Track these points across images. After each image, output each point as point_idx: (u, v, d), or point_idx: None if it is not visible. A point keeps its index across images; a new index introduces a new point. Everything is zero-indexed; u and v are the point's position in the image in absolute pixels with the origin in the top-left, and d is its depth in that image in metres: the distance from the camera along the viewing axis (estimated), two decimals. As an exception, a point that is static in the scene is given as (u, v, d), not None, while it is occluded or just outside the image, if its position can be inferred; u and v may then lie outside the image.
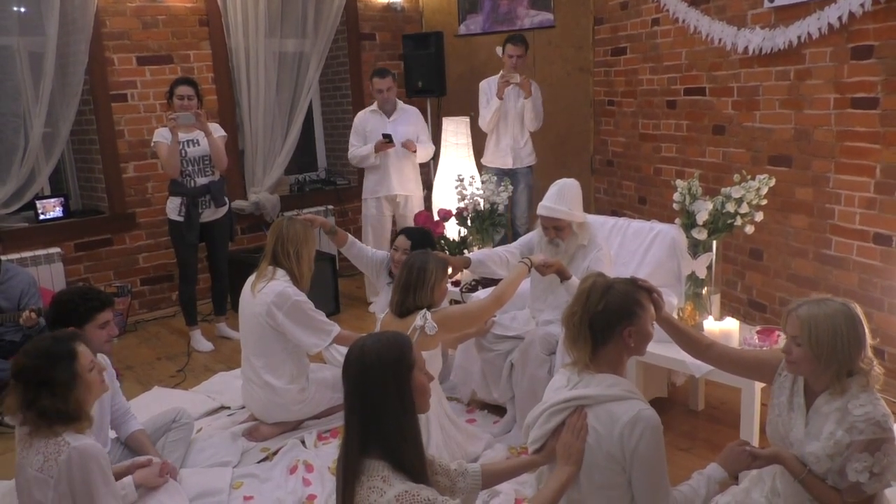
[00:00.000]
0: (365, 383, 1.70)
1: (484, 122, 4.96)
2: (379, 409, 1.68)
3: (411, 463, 1.68)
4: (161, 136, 4.22)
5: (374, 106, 4.93)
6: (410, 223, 4.78)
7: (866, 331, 1.90)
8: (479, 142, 5.41)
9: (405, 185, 5.00)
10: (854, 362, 1.88)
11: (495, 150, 5.00)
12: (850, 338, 1.86)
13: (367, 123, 4.90)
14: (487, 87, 4.95)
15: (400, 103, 4.98)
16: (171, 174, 4.26)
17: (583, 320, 1.92)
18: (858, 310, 1.91)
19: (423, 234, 3.65)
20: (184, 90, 4.20)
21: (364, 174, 5.06)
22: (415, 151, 4.88)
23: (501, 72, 4.82)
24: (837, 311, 1.88)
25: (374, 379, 1.69)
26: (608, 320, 1.91)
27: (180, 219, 4.30)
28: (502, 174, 4.87)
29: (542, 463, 2.02)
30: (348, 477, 1.67)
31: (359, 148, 4.88)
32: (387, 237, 5.05)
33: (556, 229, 3.17)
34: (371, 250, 3.75)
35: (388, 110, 4.91)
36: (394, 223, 5.09)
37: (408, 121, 4.93)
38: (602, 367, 1.94)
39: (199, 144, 4.28)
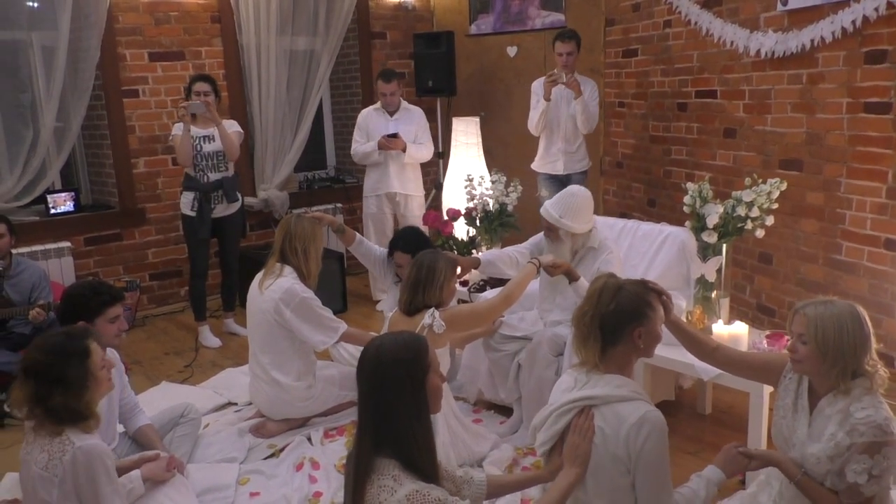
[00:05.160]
0: (380, 383, 1.70)
1: (531, 125, 4.67)
2: (393, 409, 1.68)
3: (423, 463, 1.68)
4: (179, 129, 4.28)
5: (378, 105, 4.97)
6: (412, 223, 4.76)
7: (871, 332, 1.91)
8: (488, 142, 5.41)
9: (405, 184, 5.01)
10: (859, 362, 1.89)
11: (545, 155, 4.73)
12: (856, 336, 1.87)
13: (369, 121, 4.95)
14: (539, 86, 4.59)
15: (404, 103, 4.99)
16: (184, 164, 4.31)
17: (593, 320, 1.94)
18: (863, 311, 1.92)
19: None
20: (201, 86, 4.26)
21: (366, 172, 5.10)
22: (403, 150, 4.82)
23: (552, 71, 4.50)
24: (844, 310, 1.90)
25: (389, 379, 1.69)
26: (618, 320, 1.93)
27: (193, 213, 4.34)
28: (554, 180, 4.61)
29: (549, 479, 2.02)
30: (359, 475, 1.67)
31: (362, 144, 4.92)
32: (388, 234, 5.01)
33: (549, 228, 3.22)
34: (379, 249, 3.75)
35: (391, 110, 4.94)
36: (396, 222, 5.11)
37: (409, 120, 4.94)
38: (611, 367, 1.95)
39: (213, 141, 4.31)
